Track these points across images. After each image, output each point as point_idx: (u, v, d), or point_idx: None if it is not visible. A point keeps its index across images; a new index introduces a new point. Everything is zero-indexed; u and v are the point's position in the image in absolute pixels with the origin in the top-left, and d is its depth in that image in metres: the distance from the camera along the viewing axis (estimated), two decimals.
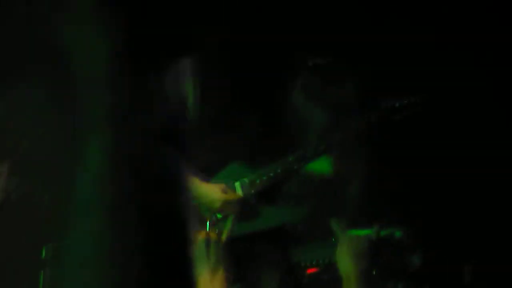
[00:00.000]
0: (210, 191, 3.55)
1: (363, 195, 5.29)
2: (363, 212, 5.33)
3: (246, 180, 3.61)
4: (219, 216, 3.57)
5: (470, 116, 5.37)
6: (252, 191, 3.61)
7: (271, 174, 3.60)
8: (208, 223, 3.55)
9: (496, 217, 5.33)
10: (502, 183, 5.28)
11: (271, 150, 3.67)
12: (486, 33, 5.29)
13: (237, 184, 3.61)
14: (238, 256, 3.59)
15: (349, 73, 5.30)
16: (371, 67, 5.33)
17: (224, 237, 3.48)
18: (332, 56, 5.06)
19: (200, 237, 3.47)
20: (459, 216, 5.37)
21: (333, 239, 4.93)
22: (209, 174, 3.62)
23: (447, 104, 5.31)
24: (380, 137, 4.69)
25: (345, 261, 3.80)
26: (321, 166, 3.93)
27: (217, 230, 3.56)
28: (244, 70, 3.67)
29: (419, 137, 5.39)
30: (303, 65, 4.56)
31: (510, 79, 5.32)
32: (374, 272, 5.09)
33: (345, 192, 5.26)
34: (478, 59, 5.31)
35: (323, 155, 3.70)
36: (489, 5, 5.29)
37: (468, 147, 5.31)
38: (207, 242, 3.44)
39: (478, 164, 5.26)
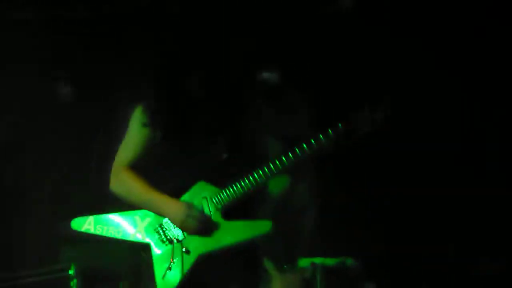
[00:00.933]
0: (173, 209, 3.66)
1: (314, 223, 5.34)
2: (314, 240, 5.39)
3: (212, 197, 3.68)
4: (184, 234, 3.67)
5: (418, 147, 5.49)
6: (219, 206, 3.67)
7: (236, 191, 3.69)
8: (174, 241, 3.67)
9: (447, 244, 5.44)
10: (454, 211, 5.41)
11: (237, 171, 3.75)
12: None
13: (203, 201, 3.70)
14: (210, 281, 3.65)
15: (301, 103, 5.37)
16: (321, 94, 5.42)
17: None
18: (286, 84, 5.13)
19: None
20: (411, 243, 5.47)
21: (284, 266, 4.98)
22: (177, 194, 3.76)
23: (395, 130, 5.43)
24: (330, 163, 4.77)
25: None
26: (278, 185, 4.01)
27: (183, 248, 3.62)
28: (210, 97, 3.78)
29: (370, 164, 5.50)
30: (259, 94, 4.62)
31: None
32: None
33: (297, 220, 5.32)
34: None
35: (281, 174, 3.77)
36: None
37: (417, 176, 5.43)
38: None
39: (428, 192, 5.39)
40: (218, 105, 3.79)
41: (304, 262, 5.28)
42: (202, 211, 3.67)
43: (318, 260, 5.31)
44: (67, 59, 5.76)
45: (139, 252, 3.78)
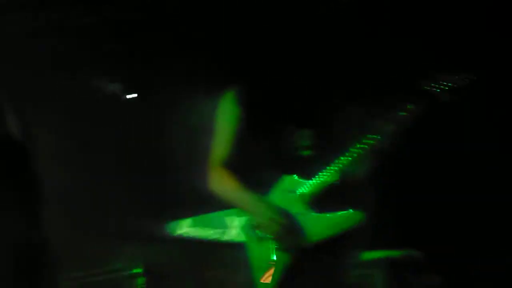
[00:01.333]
0: (259, 211, 3.56)
1: (382, 215, 5.33)
2: (382, 232, 5.37)
3: (300, 191, 3.62)
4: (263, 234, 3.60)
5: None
6: (308, 199, 3.62)
7: (327, 181, 3.60)
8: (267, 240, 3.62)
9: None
10: None
11: (322, 164, 3.70)
12: None
13: (291, 197, 3.62)
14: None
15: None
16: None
17: None
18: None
19: None
20: (477, 235, 5.45)
21: None
22: (263, 188, 3.67)
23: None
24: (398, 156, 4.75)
25: None
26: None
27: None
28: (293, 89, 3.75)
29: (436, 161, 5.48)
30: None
31: None
32: None
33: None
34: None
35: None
36: None
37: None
38: None
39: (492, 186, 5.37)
40: (306, 94, 3.72)
41: (369, 255, 5.26)
42: (287, 213, 3.59)
43: (382, 253, 5.29)
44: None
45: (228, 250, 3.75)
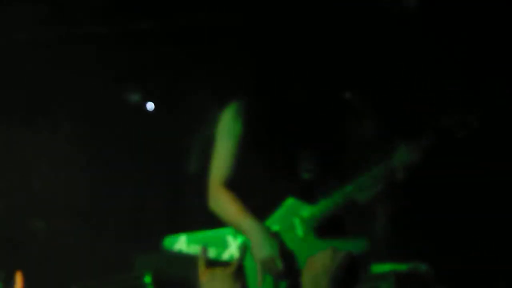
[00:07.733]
0: (258, 245, 3.37)
1: (389, 228, 5.34)
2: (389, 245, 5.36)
3: (305, 216, 3.54)
4: None
5: None
6: (313, 224, 3.56)
7: (331, 206, 3.47)
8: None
9: None
10: None
11: (325, 187, 3.60)
12: None
13: (295, 221, 3.51)
14: None
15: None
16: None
17: None
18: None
19: None
20: (484, 248, 5.44)
21: None
22: (265, 213, 3.53)
23: None
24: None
25: None
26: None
27: None
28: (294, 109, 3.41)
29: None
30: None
31: None
32: None
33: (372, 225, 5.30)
34: None
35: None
36: None
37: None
38: None
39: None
40: (314, 116, 3.56)
41: (377, 268, 5.28)
42: (287, 250, 3.47)
43: (389, 266, 5.31)
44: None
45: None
